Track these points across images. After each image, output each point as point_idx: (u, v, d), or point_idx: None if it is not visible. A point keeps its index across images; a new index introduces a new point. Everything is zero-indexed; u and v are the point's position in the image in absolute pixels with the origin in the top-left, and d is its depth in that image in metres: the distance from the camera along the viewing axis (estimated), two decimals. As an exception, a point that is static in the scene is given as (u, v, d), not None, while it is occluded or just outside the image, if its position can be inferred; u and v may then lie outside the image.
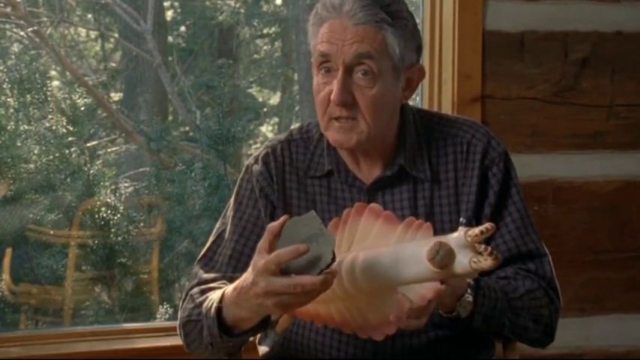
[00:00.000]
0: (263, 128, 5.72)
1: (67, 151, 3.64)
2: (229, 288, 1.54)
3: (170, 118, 4.80)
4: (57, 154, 3.60)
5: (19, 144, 3.51)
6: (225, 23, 5.23)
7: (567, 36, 2.48)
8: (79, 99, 3.72)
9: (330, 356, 1.67)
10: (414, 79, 1.69)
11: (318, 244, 1.37)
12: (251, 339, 1.73)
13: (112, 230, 3.65)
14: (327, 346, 1.68)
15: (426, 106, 2.46)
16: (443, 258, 1.34)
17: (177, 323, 1.70)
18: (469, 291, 1.55)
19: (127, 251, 3.71)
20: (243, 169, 1.79)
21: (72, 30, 4.79)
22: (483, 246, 1.35)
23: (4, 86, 3.58)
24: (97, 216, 3.64)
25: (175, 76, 4.74)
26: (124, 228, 3.69)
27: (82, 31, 5.10)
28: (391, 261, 1.40)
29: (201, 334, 1.61)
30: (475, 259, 1.33)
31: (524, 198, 1.74)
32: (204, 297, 1.63)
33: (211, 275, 1.69)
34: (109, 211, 3.65)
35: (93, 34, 5.19)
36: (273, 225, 1.41)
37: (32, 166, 3.56)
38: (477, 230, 1.34)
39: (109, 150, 4.30)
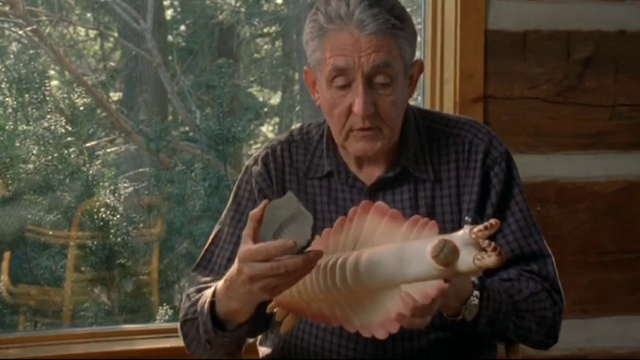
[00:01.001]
0: (263, 128, 5.72)
1: (66, 151, 3.63)
2: (220, 282, 1.54)
3: (170, 118, 4.79)
4: (56, 154, 3.60)
5: (17, 144, 3.51)
6: (225, 22, 5.22)
7: (570, 35, 2.47)
8: (78, 99, 3.72)
9: (331, 358, 1.66)
10: (415, 75, 1.68)
11: (297, 223, 1.38)
12: (251, 340, 1.72)
13: (112, 231, 3.65)
14: (328, 348, 1.67)
15: (427, 106, 2.45)
16: (447, 255, 1.34)
17: (177, 325, 1.70)
18: (475, 293, 1.53)
19: (127, 252, 3.71)
20: (243, 170, 1.78)
21: (71, 29, 4.79)
22: (487, 241, 1.34)
23: (3, 86, 3.58)
24: (96, 216, 3.64)
25: (175, 76, 4.74)
26: (124, 229, 3.69)
27: (81, 31, 5.09)
28: (395, 259, 1.40)
29: (199, 332, 1.60)
30: (479, 257, 1.32)
31: (526, 198, 1.73)
32: (199, 295, 1.63)
33: (210, 277, 1.69)
34: (108, 212, 3.65)
35: (92, 33, 5.19)
36: (255, 212, 1.41)
37: (31, 166, 3.55)
38: (481, 226, 1.33)
39: (108, 150, 4.30)
